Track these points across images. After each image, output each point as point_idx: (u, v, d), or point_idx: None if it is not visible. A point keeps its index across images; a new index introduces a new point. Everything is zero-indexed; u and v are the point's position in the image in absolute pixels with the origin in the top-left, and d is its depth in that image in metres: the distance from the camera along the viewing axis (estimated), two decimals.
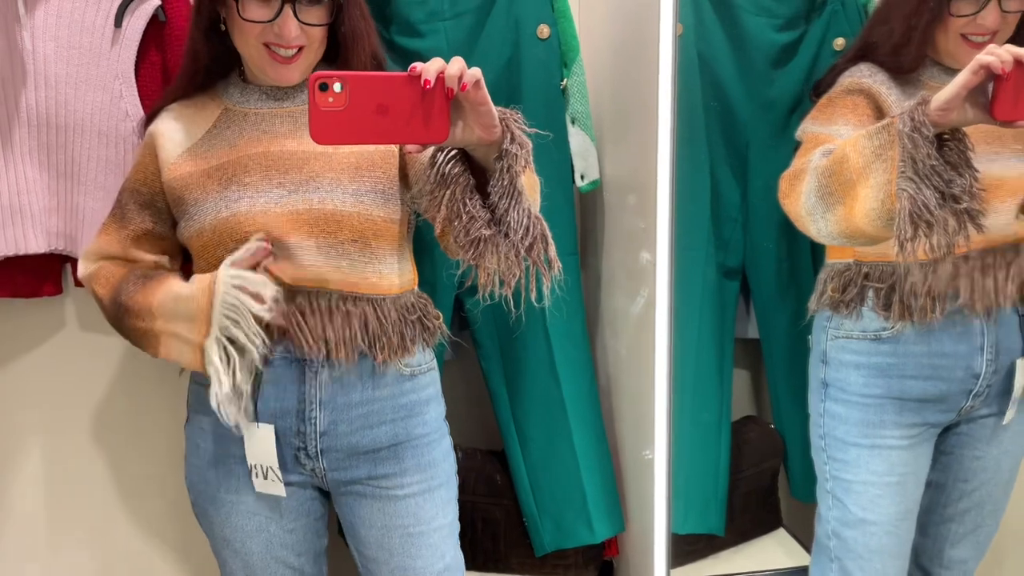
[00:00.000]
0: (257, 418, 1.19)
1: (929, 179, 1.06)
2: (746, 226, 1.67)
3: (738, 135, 1.62)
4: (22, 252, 1.42)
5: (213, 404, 1.12)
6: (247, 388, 1.14)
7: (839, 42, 1.57)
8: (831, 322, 1.40)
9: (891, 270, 1.34)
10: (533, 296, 1.02)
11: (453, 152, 0.99)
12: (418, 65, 0.90)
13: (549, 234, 1.02)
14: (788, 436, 1.74)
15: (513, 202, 0.98)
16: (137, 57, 1.42)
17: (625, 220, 1.55)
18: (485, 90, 0.93)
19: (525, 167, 0.99)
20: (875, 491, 1.36)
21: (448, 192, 0.99)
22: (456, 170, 0.99)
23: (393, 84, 0.90)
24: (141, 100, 1.42)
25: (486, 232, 0.99)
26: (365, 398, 1.21)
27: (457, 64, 0.91)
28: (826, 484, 1.43)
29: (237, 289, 1.11)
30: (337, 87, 0.89)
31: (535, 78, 1.52)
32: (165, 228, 1.27)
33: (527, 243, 0.99)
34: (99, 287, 1.25)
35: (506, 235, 0.99)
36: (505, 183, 0.97)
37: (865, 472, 1.37)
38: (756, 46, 1.57)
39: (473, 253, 1.00)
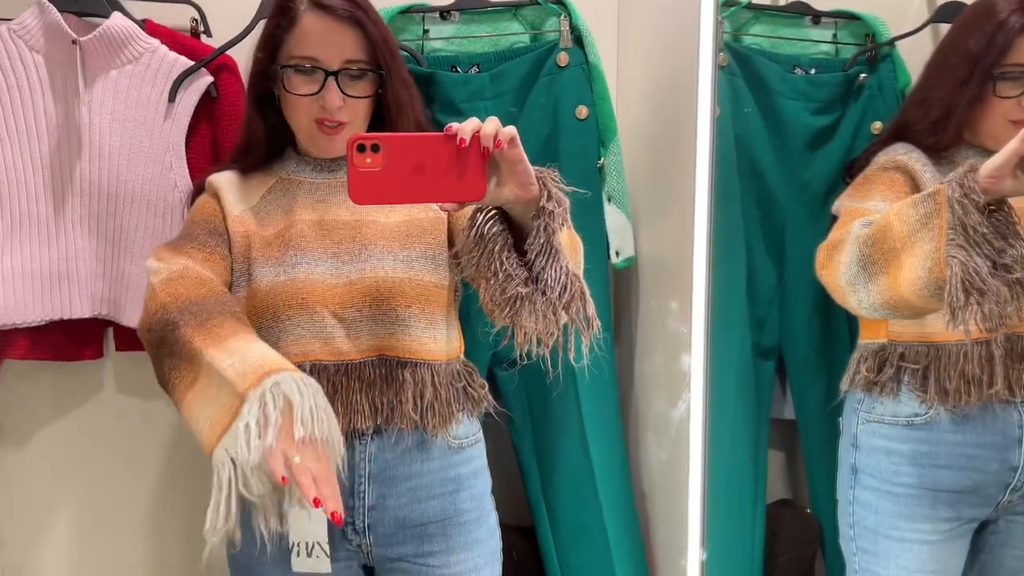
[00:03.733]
0: None
1: (980, 247, 1.05)
2: (782, 306, 1.65)
3: (775, 216, 1.62)
4: (67, 316, 1.46)
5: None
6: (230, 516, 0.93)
7: (876, 126, 1.58)
8: (863, 405, 1.37)
9: (926, 351, 1.32)
10: (572, 356, 1.00)
11: (492, 211, 0.99)
12: (454, 125, 0.91)
13: (588, 292, 1.00)
14: (825, 521, 1.70)
15: (550, 260, 0.97)
16: (188, 130, 1.47)
17: (658, 300, 1.55)
18: (520, 148, 0.92)
19: (563, 225, 0.98)
20: None
21: (487, 250, 0.98)
22: (495, 229, 0.98)
23: (429, 144, 0.91)
24: (190, 172, 1.46)
25: (522, 290, 0.97)
26: (414, 471, 1.20)
27: (492, 123, 0.91)
28: (854, 575, 1.39)
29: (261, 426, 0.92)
30: (374, 148, 0.89)
31: (573, 156, 1.54)
32: (228, 253, 1.22)
33: (564, 300, 0.97)
34: (162, 288, 1.10)
35: (543, 293, 0.97)
36: (542, 241, 0.96)
37: (894, 567, 1.32)
38: (792, 129, 1.58)
39: (509, 311, 0.98)
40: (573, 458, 1.56)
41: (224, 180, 1.27)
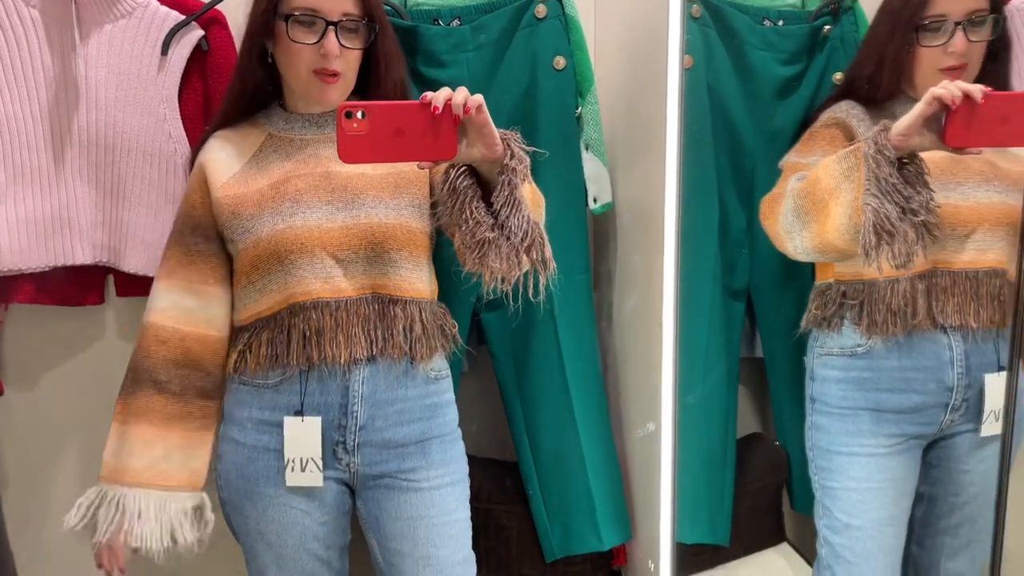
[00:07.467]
0: (302, 412, 1.28)
1: (891, 195, 1.18)
2: (752, 250, 1.74)
3: (745, 163, 1.69)
4: (69, 263, 1.52)
5: None
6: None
7: (838, 76, 1.65)
8: (817, 341, 1.50)
9: (862, 288, 1.44)
10: (530, 292, 1.16)
11: (463, 168, 1.14)
12: (429, 94, 1.05)
13: (546, 238, 1.16)
14: (791, 452, 1.80)
15: (513, 210, 1.12)
16: (180, 83, 1.52)
17: (634, 244, 1.63)
18: (487, 113, 1.07)
19: (524, 180, 1.13)
20: (856, 496, 1.43)
21: (458, 201, 1.14)
22: (465, 183, 1.14)
23: (408, 111, 1.05)
24: (183, 123, 1.52)
25: (489, 235, 1.13)
26: (399, 396, 1.32)
27: (462, 93, 1.06)
28: (817, 493, 1.50)
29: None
30: (360, 115, 1.03)
31: (551, 107, 1.60)
32: (214, 247, 1.35)
33: (526, 245, 1.13)
34: (143, 341, 1.35)
35: (508, 238, 1.13)
36: (507, 193, 1.12)
37: (845, 478, 1.44)
38: (761, 79, 1.65)
39: (478, 253, 1.14)
40: (553, 393, 1.65)
41: (212, 153, 1.36)
